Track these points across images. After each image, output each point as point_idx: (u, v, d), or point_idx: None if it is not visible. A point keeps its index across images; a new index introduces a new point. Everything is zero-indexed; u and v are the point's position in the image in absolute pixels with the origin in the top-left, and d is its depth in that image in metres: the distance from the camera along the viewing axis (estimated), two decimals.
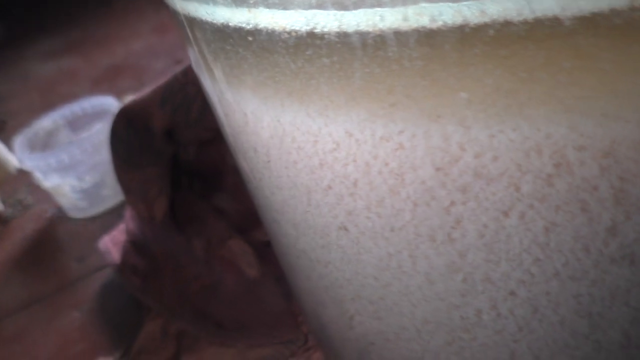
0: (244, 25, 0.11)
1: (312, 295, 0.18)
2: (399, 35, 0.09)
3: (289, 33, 0.11)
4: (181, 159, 0.46)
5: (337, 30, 0.10)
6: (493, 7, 0.08)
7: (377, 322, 0.15)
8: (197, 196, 0.48)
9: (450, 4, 0.08)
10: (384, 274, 0.13)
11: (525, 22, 0.08)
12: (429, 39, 0.09)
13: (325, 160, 0.12)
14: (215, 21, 0.12)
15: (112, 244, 0.50)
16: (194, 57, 0.16)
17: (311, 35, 0.10)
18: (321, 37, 0.10)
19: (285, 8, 0.10)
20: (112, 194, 0.63)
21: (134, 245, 0.49)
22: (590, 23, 0.08)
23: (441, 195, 0.11)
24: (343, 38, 0.10)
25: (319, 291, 0.17)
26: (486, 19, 0.08)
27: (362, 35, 0.10)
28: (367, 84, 0.10)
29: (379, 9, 0.09)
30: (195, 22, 0.13)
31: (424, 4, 0.08)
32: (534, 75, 0.09)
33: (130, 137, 0.44)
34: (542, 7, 0.08)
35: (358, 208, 0.13)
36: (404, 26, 0.09)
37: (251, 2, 0.11)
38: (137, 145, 0.44)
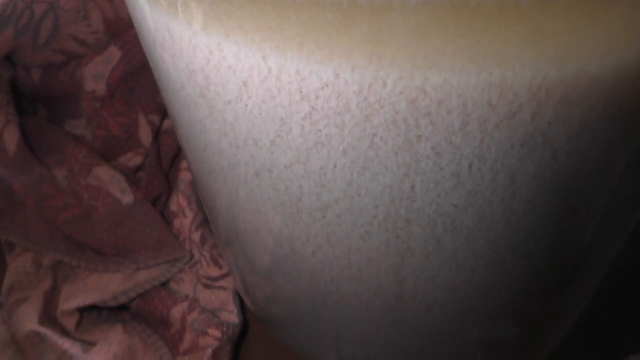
0: None
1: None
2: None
3: None
4: (22, 82, 0.42)
5: None
6: None
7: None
8: (49, 122, 0.45)
9: None
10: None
11: None
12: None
13: (308, 96, 0.15)
14: None
15: None
16: None
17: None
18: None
19: None
20: None
21: None
22: None
23: (409, 120, 0.15)
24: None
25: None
26: None
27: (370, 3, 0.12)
28: (366, 41, 0.13)
29: None
30: None
31: None
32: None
33: None
34: None
35: (333, 133, 0.16)
36: None
37: None
38: None
